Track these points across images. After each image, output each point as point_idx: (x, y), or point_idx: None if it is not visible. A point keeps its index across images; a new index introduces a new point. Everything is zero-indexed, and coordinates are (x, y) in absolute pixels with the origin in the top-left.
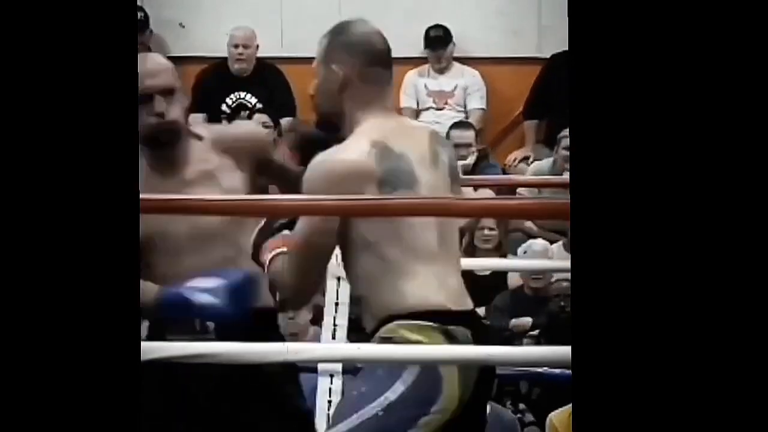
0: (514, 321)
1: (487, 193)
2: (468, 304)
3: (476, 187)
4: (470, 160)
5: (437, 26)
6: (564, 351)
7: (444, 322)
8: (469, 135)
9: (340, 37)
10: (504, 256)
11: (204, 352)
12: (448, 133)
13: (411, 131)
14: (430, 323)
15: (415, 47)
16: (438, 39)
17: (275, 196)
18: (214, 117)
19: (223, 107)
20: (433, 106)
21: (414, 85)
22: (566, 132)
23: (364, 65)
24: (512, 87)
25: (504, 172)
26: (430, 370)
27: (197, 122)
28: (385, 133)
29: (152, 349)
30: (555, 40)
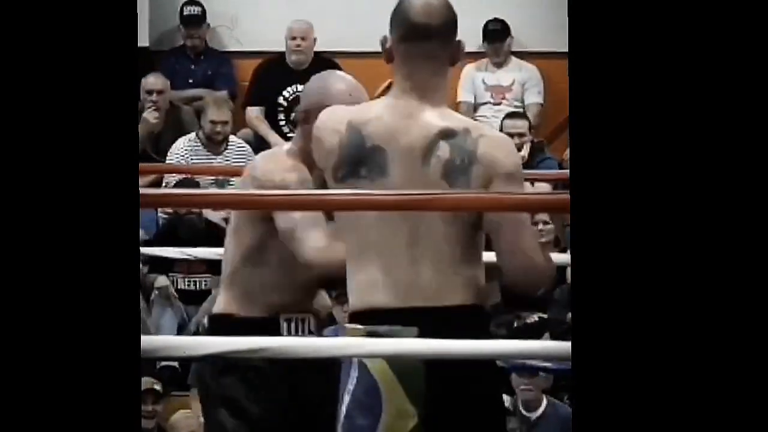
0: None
1: (544, 186)
2: (443, 299)
3: (532, 181)
4: (524, 151)
5: (495, 20)
6: (564, 346)
7: (381, 321)
8: (521, 125)
9: (395, 8)
10: (564, 250)
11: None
12: (501, 124)
13: (411, 122)
14: (357, 326)
15: (473, 41)
16: (496, 33)
17: (272, 192)
18: (272, 110)
19: (280, 100)
20: (491, 100)
21: (472, 79)
22: None
23: (397, 40)
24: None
25: (561, 167)
26: (365, 378)
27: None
28: (370, 117)
29: (152, 345)
30: None
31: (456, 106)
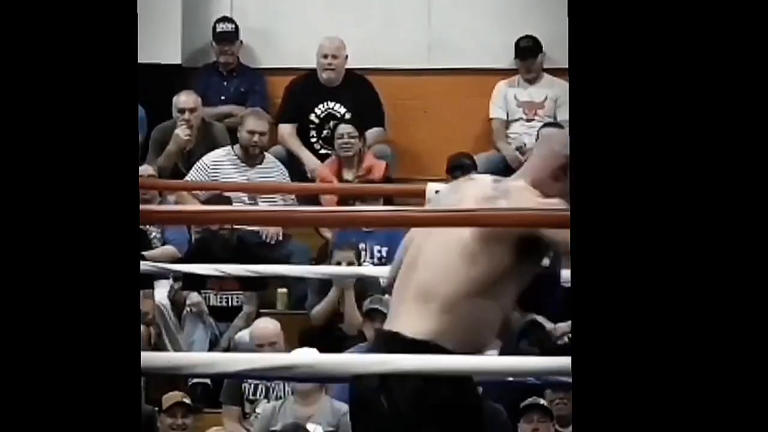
0: None
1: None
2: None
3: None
4: None
5: (527, 37)
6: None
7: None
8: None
9: None
10: None
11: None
12: (538, 134)
13: None
14: None
15: (506, 58)
16: (528, 49)
17: (271, 208)
18: (304, 126)
19: (312, 117)
20: (523, 117)
21: (504, 95)
22: None
23: None
24: None
25: None
26: None
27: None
28: None
29: (183, 361)
30: None
31: (488, 123)
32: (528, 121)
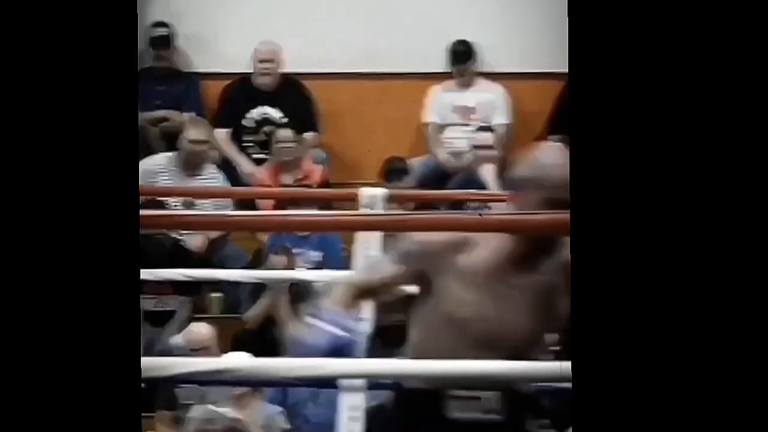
0: None
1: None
2: None
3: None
4: (492, 165)
5: (461, 41)
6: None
7: None
8: (489, 136)
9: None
10: None
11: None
12: (470, 138)
13: None
14: None
15: (440, 62)
16: (462, 54)
17: (278, 212)
18: (239, 131)
19: (247, 121)
20: (458, 121)
21: (438, 100)
22: None
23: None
24: (537, 102)
25: None
26: None
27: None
28: None
29: (153, 366)
30: None
31: (423, 127)
32: (462, 125)
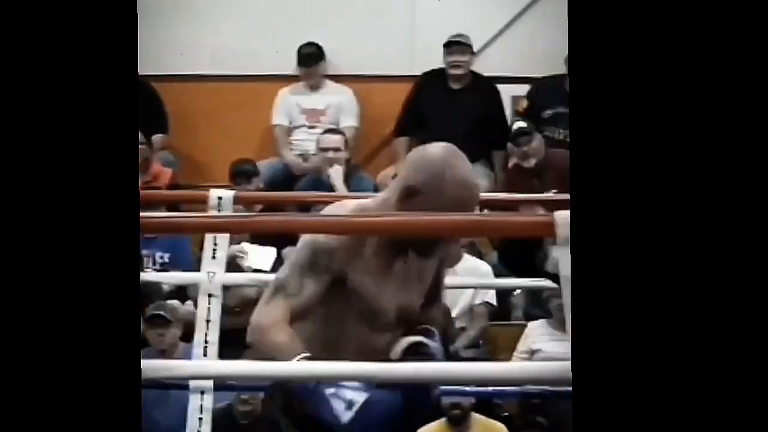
0: None
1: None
2: None
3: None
4: (339, 167)
5: (310, 44)
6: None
7: None
8: (337, 139)
9: None
10: None
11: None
12: (318, 140)
13: None
14: None
15: (288, 65)
16: (310, 56)
17: (280, 215)
18: None
19: None
20: (306, 123)
21: (286, 102)
22: None
23: None
24: (385, 105)
25: (376, 189)
26: None
27: None
28: None
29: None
30: (427, 59)
31: (271, 130)
32: (310, 127)
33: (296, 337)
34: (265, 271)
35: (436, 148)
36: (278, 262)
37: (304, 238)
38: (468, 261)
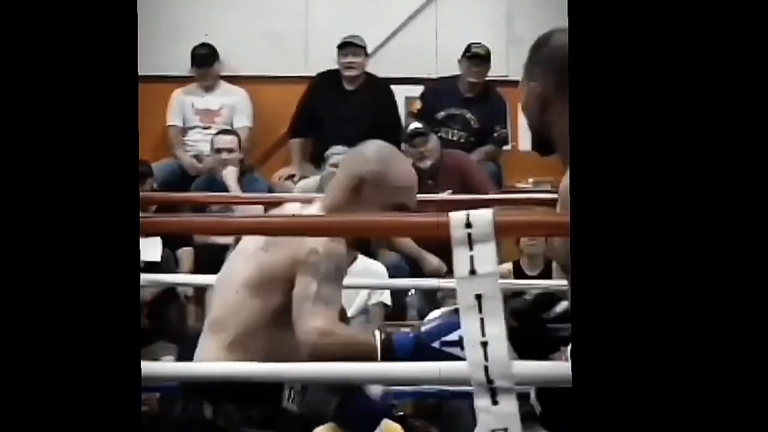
0: None
1: (257, 210)
2: None
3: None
4: (233, 168)
5: (204, 45)
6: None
7: None
8: (230, 140)
9: (537, 51)
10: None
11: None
12: (212, 141)
13: None
14: None
15: (183, 66)
16: (204, 57)
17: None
18: None
19: None
20: (200, 124)
21: (181, 103)
22: (334, 149)
23: (560, 80)
24: (279, 106)
25: (270, 190)
26: None
27: None
28: None
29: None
30: (322, 59)
31: (165, 131)
32: (205, 128)
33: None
34: (156, 263)
35: (373, 143)
36: (167, 257)
37: (316, 247)
38: (362, 261)
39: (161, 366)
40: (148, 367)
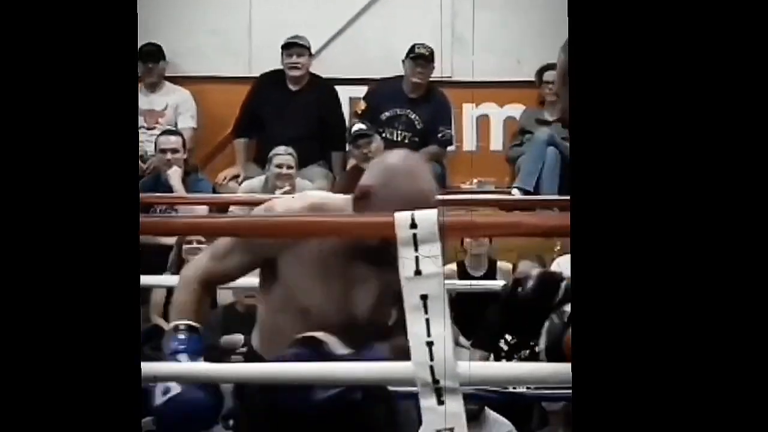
0: (225, 338)
1: (202, 210)
2: None
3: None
4: (178, 168)
5: (149, 44)
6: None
7: None
8: (175, 140)
9: None
10: None
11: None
12: (156, 141)
13: None
14: None
15: None
16: (149, 55)
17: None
18: None
19: None
20: (144, 125)
21: None
22: (277, 150)
23: None
24: (223, 106)
25: (214, 191)
26: None
27: None
28: None
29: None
30: (266, 60)
31: None
32: (149, 129)
33: (200, 300)
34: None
35: (394, 154)
36: None
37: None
38: None
39: (161, 366)
40: (148, 367)
